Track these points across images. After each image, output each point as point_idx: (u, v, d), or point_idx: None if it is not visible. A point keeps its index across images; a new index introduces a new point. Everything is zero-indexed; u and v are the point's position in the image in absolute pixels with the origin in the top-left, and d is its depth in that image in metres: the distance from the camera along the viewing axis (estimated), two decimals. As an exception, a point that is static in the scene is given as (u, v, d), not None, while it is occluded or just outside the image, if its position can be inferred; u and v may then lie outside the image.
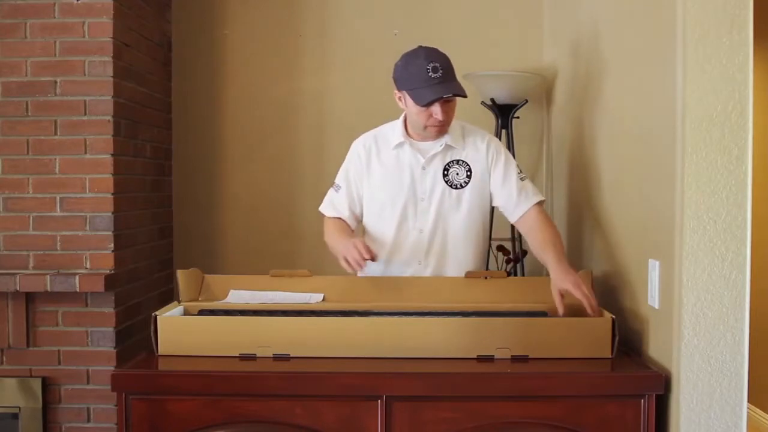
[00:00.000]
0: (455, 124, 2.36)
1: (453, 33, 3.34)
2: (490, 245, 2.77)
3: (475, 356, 1.93)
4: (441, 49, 2.26)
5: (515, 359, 1.93)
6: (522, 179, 2.34)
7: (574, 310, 2.06)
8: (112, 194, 2.64)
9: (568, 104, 2.97)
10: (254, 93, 3.43)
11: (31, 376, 2.63)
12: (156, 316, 1.98)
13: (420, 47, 2.26)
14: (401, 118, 2.38)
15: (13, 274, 2.57)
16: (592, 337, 1.94)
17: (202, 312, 2.15)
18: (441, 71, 2.18)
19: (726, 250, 1.73)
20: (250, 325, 1.98)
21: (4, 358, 2.64)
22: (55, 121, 2.63)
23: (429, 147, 2.35)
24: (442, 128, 2.29)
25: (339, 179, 2.45)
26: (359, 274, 2.25)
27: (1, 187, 2.64)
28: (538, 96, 3.35)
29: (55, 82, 2.63)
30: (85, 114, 2.63)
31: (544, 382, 1.85)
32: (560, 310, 2.07)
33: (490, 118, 3.20)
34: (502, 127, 3.18)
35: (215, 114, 3.44)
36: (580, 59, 2.75)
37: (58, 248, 2.64)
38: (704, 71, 1.71)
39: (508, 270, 3.12)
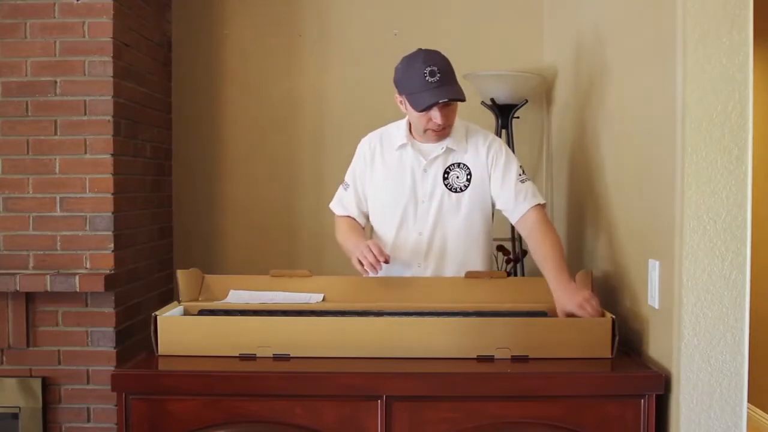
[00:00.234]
0: (459, 125, 2.35)
1: (453, 33, 3.35)
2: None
3: (475, 356, 1.93)
4: (441, 50, 2.25)
5: (515, 359, 1.93)
6: (522, 181, 2.31)
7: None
8: (112, 194, 2.64)
9: (568, 104, 2.97)
10: (254, 93, 3.43)
11: (31, 376, 2.63)
12: (156, 316, 1.98)
13: (420, 50, 2.24)
14: (406, 118, 2.38)
15: (13, 274, 2.57)
16: (592, 337, 1.94)
17: (202, 312, 2.15)
18: (439, 75, 2.16)
19: (726, 250, 1.73)
20: (250, 325, 1.98)
21: (4, 358, 2.64)
22: (55, 121, 2.63)
23: (431, 149, 2.35)
24: (442, 132, 2.28)
25: (348, 177, 2.46)
26: (371, 275, 2.24)
27: (1, 187, 2.64)
28: (538, 96, 3.35)
29: (55, 82, 2.63)
30: (85, 114, 2.63)
31: (544, 382, 1.84)
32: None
33: (490, 118, 3.20)
34: (502, 127, 3.18)
35: (215, 114, 3.44)
36: (581, 59, 2.75)
37: (58, 248, 2.64)
38: (704, 71, 1.71)
39: (508, 270, 3.12)
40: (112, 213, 2.64)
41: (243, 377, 1.87)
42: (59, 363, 2.64)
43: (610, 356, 1.93)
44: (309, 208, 3.39)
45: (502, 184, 2.32)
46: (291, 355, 1.95)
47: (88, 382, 2.64)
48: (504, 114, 3.18)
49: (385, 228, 2.40)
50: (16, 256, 2.64)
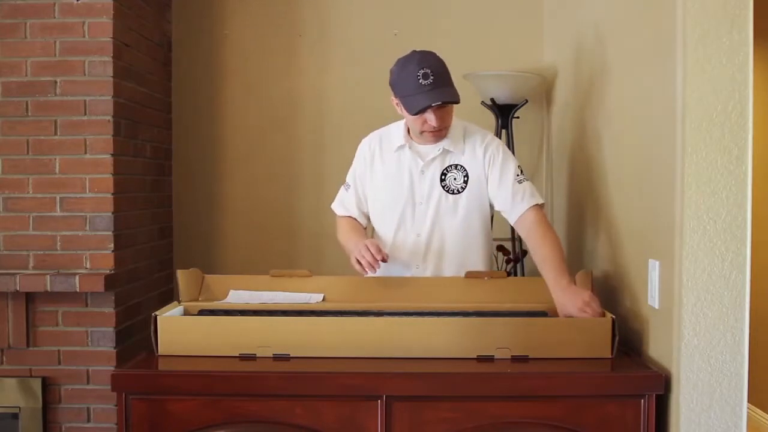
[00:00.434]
0: (458, 126, 2.35)
1: (453, 33, 3.35)
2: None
3: (475, 356, 1.93)
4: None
5: (515, 359, 1.93)
6: (520, 181, 2.30)
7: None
8: (112, 194, 2.64)
9: (568, 104, 2.97)
10: (254, 93, 3.43)
11: (31, 376, 2.63)
12: (156, 316, 1.98)
13: (414, 52, 2.23)
14: (405, 119, 2.38)
15: (13, 274, 2.57)
16: (592, 337, 1.94)
17: (202, 312, 2.15)
18: (432, 77, 2.14)
19: (726, 250, 1.73)
20: (250, 325, 1.98)
21: (4, 358, 2.64)
22: (55, 121, 2.63)
23: (428, 151, 2.34)
24: (438, 133, 2.28)
25: (349, 178, 2.46)
26: (369, 274, 2.24)
27: (1, 187, 2.64)
28: (538, 96, 3.35)
29: (55, 82, 2.63)
30: (85, 114, 2.63)
31: (544, 382, 1.84)
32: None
33: (490, 118, 3.20)
34: (502, 127, 3.18)
35: (215, 114, 3.44)
36: (581, 59, 2.75)
37: (58, 248, 2.64)
38: (704, 71, 1.71)
39: (508, 270, 3.12)
40: (112, 213, 2.64)
41: (243, 377, 1.87)
42: (59, 363, 2.64)
43: (610, 356, 1.93)
44: (309, 208, 3.39)
45: (500, 185, 2.31)
46: (291, 355, 1.95)
47: (88, 382, 2.64)
48: (504, 114, 3.18)
49: (384, 229, 2.40)
50: (16, 256, 2.64)
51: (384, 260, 2.20)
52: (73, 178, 2.63)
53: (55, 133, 2.63)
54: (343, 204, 2.48)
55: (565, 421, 1.83)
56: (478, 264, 2.38)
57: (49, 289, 2.55)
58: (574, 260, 2.66)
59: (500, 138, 3.07)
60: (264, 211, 3.43)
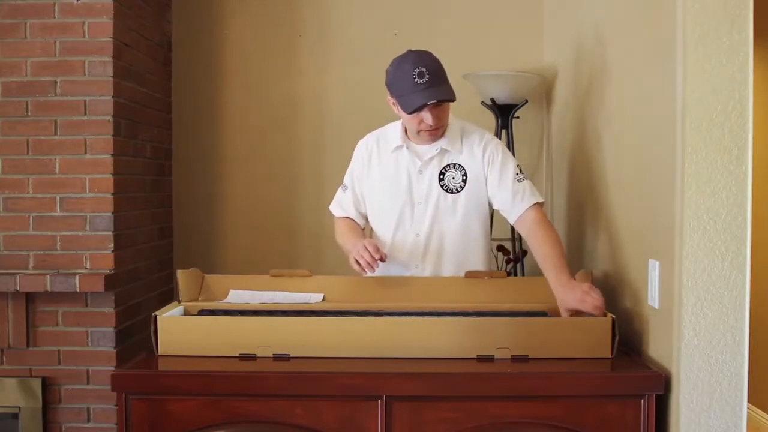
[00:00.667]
0: (455, 125, 2.35)
1: (453, 33, 3.35)
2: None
3: (475, 356, 1.93)
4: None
5: (515, 359, 1.93)
6: (519, 180, 2.30)
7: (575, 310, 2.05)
8: (112, 194, 2.64)
9: (568, 104, 2.97)
10: (254, 93, 3.43)
11: (31, 376, 2.63)
12: (156, 316, 1.98)
13: (409, 51, 2.23)
14: (401, 119, 2.38)
15: (13, 274, 2.57)
16: (592, 337, 1.94)
17: (202, 312, 2.15)
18: (428, 76, 2.14)
19: (726, 250, 1.73)
20: (250, 325, 1.98)
21: (4, 358, 2.64)
22: (55, 121, 2.63)
23: (425, 150, 2.34)
24: (435, 132, 2.28)
25: (346, 179, 2.46)
26: (368, 274, 2.24)
27: (1, 187, 2.64)
28: (538, 96, 3.35)
29: (55, 82, 2.63)
30: (85, 114, 2.63)
31: (544, 382, 1.84)
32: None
33: (490, 118, 3.20)
34: (502, 127, 3.18)
35: (215, 114, 3.44)
36: (581, 59, 2.75)
37: (58, 248, 2.64)
38: (704, 71, 1.71)
39: (508, 270, 3.12)
40: (112, 213, 2.64)
41: (243, 377, 1.87)
42: (59, 363, 2.64)
43: (610, 356, 1.93)
44: (309, 208, 3.39)
45: (499, 184, 2.31)
46: (291, 355, 1.95)
47: (88, 382, 2.64)
48: (504, 114, 3.18)
49: (383, 229, 2.40)
50: (16, 256, 2.64)
51: (382, 260, 2.20)
52: (73, 178, 2.63)
53: (55, 133, 2.63)
54: (340, 205, 2.47)
55: (565, 421, 1.83)
56: (477, 263, 2.37)
57: (49, 289, 2.55)
58: (574, 260, 2.66)
59: (500, 138, 3.07)
60: (264, 211, 3.43)
